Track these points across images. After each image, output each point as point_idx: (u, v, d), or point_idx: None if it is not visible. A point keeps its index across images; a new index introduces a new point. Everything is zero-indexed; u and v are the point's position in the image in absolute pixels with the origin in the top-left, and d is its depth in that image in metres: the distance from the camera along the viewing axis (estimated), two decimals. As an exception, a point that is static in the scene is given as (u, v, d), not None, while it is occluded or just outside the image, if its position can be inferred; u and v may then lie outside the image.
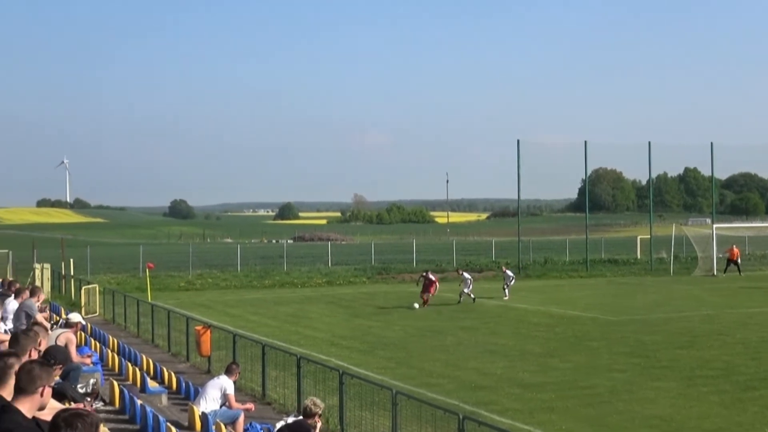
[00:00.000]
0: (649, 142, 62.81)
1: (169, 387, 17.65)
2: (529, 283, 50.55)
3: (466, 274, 38.75)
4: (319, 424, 12.15)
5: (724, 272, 54.98)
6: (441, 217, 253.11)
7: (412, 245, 69.43)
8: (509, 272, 42.24)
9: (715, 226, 59.98)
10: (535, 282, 52.17)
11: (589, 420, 16.78)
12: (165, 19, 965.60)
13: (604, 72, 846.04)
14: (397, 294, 43.77)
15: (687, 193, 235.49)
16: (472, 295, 37.89)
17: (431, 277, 37.95)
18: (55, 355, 9.49)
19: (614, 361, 23.23)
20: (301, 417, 12.27)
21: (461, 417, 11.45)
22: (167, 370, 18.77)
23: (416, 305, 36.59)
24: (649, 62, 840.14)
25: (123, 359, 19.26)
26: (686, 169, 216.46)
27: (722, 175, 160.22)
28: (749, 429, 16.07)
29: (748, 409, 17.44)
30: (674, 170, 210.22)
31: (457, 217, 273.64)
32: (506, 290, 40.30)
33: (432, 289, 37.34)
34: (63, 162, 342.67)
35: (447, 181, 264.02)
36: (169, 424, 12.14)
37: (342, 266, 62.51)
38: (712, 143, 63.79)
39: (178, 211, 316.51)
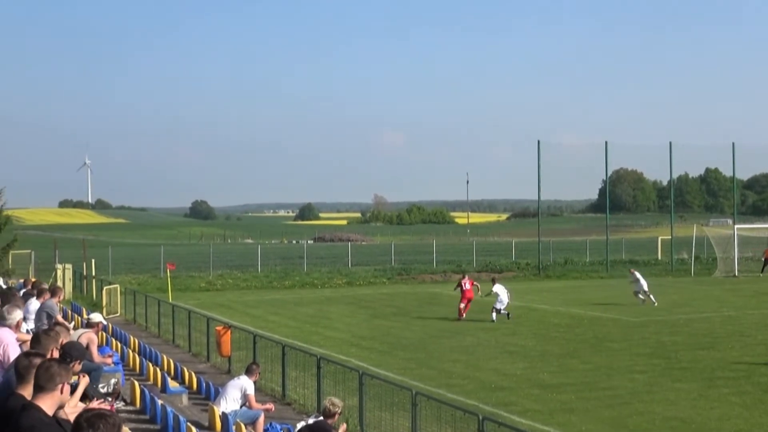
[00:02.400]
0: (670, 143, 62.54)
1: (190, 387, 17.74)
2: (549, 284, 50.48)
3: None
4: (340, 426, 12.25)
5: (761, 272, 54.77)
6: (461, 218, 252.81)
7: (433, 246, 69.45)
8: (637, 275, 38.07)
9: (736, 227, 59.67)
10: (555, 282, 52.07)
11: (609, 421, 16.72)
12: (186, 20, 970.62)
13: (624, 72, 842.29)
14: (417, 295, 43.76)
15: (708, 194, 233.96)
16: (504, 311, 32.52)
17: (465, 283, 33.27)
18: (70, 352, 9.48)
19: (634, 362, 23.13)
20: (321, 417, 12.32)
21: (481, 418, 11.45)
22: (188, 371, 18.85)
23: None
24: (670, 62, 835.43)
25: (144, 359, 19.36)
26: (707, 170, 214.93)
27: (744, 175, 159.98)
28: (771, 431, 15.98)
29: (769, 410, 17.32)
30: (695, 171, 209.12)
31: (477, 218, 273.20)
32: (650, 296, 37.21)
33: (465, 299, 32.78)
34: (85, 163, 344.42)
35: (467, 182, 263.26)
36: (189, 424, 12.19)
37: (362, 267, 62.57)
38: (733, 143, 63.41)
39: (199, 211, 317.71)
